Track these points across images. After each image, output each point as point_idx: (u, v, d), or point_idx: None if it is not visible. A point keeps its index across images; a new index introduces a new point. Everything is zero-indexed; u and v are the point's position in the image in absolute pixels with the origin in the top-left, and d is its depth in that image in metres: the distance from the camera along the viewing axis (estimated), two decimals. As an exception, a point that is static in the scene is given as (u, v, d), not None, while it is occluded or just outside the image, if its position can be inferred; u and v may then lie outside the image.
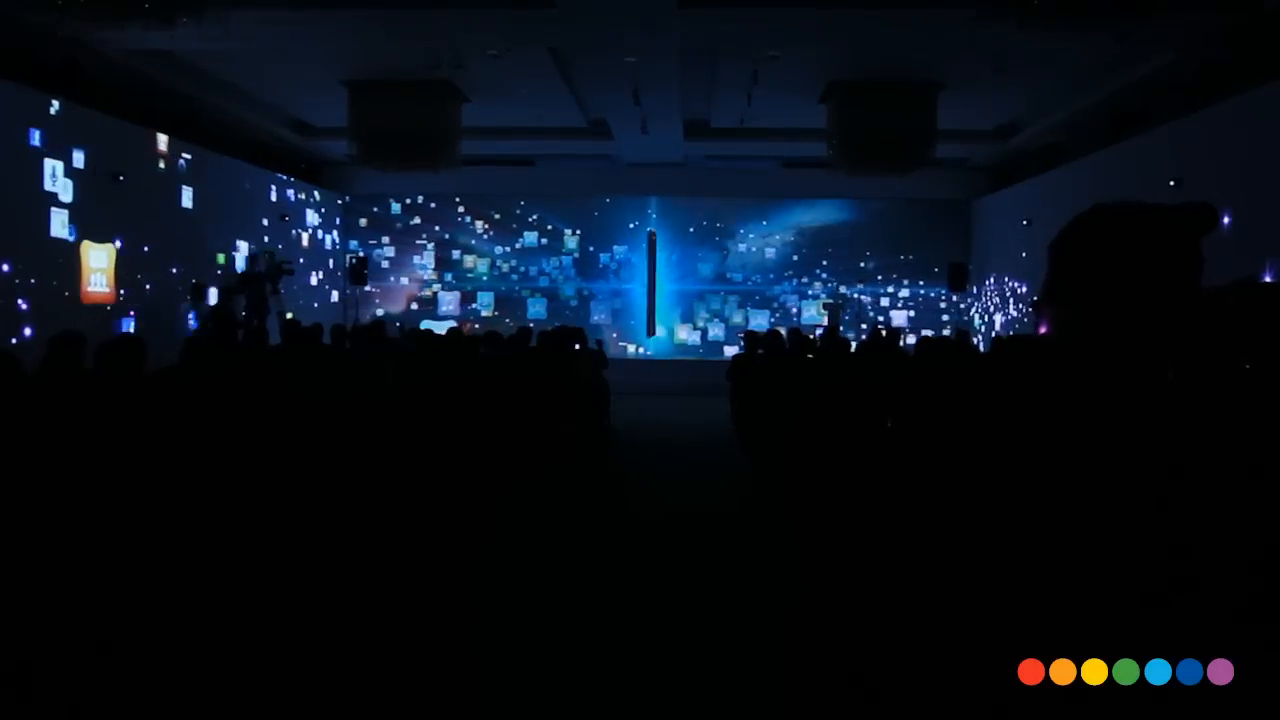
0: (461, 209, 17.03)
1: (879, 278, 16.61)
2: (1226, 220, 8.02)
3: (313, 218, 15.37)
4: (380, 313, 16.26)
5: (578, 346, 9.42)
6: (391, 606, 3.86)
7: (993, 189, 15.52)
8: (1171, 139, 9.54)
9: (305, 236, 14.77)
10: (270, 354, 6.67)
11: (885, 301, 16.66)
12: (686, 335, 17.22)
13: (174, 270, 11.18)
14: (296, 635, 3.19)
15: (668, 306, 17.07)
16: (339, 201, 16.54)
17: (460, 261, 17.31)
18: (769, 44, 9.51)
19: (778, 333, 9.86)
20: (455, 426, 5.04)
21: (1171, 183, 9.05)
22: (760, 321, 16.29)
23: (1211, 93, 9.03)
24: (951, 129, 12.03)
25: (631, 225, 17.07)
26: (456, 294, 17.33)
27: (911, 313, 16.53)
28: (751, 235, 16.83)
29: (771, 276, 16.83)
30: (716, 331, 17.08)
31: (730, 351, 15.29)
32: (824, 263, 16.68)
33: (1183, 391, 1.10)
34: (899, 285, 16.59)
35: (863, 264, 16.60)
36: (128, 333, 8.62)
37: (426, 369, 5.76)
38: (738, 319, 16.72)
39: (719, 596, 4.83)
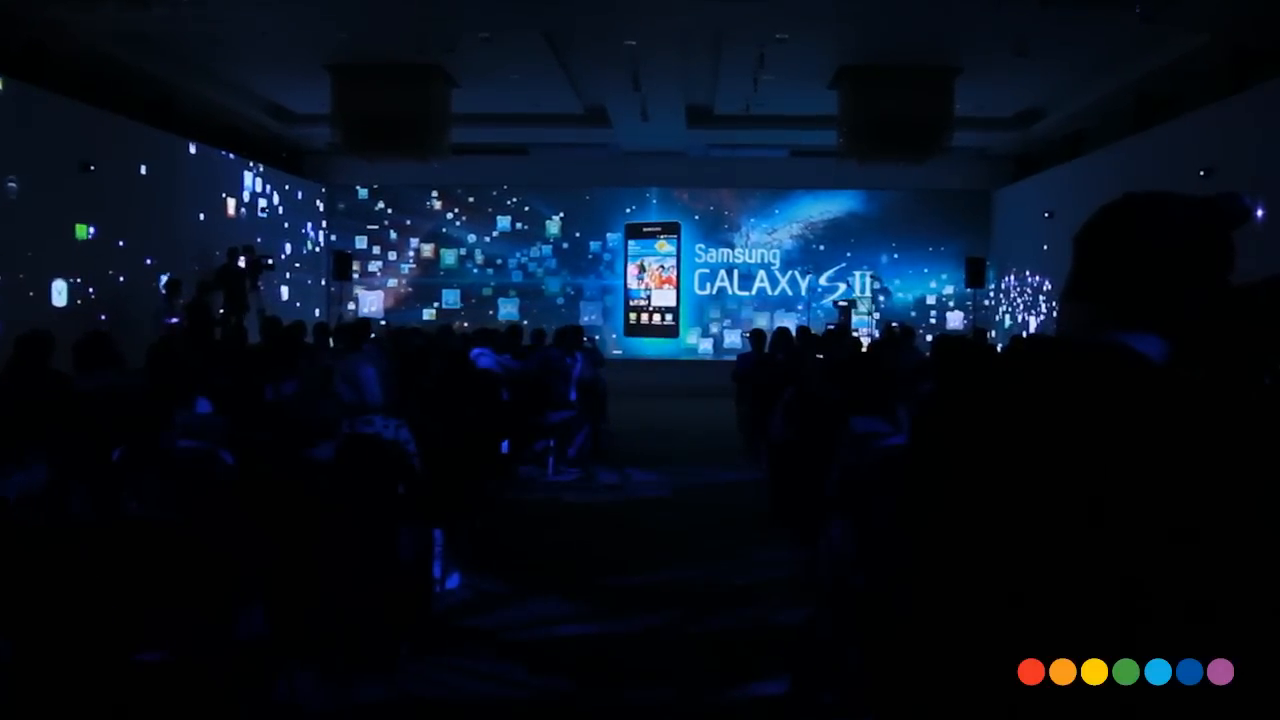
0: (435, 194, 16.41)
1: (924, 270, 16.30)
2: (1259, 213, 8.02)
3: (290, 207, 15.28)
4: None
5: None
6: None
7: (1013, 179, 15.52)
8: (1202, 127, 9.54)
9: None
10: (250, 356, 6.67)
11: (932, 301, 16.34)
12: (696, 341, 16.55)
13: (148, 261, 11.16)
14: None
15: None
16: (321, 191, 16.43)
17: (419, 250, 16.42)
18: (776, 26, 9.51)
19: (785, 330, 9.87)
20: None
21: (1201, 173, 9.05)
22: (788, 324, 15.55)
23: (1245, 78, 9.03)
24: (969, 116, 12.03)
25: (629, 209, 16.54)
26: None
27: (961, 314, 15.99)
28: (763, 226, 16.54)
29: (792, 272, 16.36)
30: (733, 339, 16.02)
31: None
32: (848, 254, 16.32)
33: (1211, 394, 1.10)
34: (941, 282, 16.24)
35: (888, 257, 16.29)
36: (98, 331, 8.61)
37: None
38: (761, 322, 15.53)
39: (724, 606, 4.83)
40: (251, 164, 13.77)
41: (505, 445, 6.86)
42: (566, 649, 4.25)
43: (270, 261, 12.97)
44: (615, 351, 15.96)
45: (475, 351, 7.74)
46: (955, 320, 16.11)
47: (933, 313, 16.34)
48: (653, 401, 13.40)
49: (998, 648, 1.09)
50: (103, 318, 10.19)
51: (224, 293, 11.88)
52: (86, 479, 2.99)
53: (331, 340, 8.70)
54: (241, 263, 12.21)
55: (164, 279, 11.14)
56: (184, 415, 3.79)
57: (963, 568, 1.16)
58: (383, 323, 14.42)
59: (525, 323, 13.54)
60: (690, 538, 6.29)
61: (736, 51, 10.44)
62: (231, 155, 13.23)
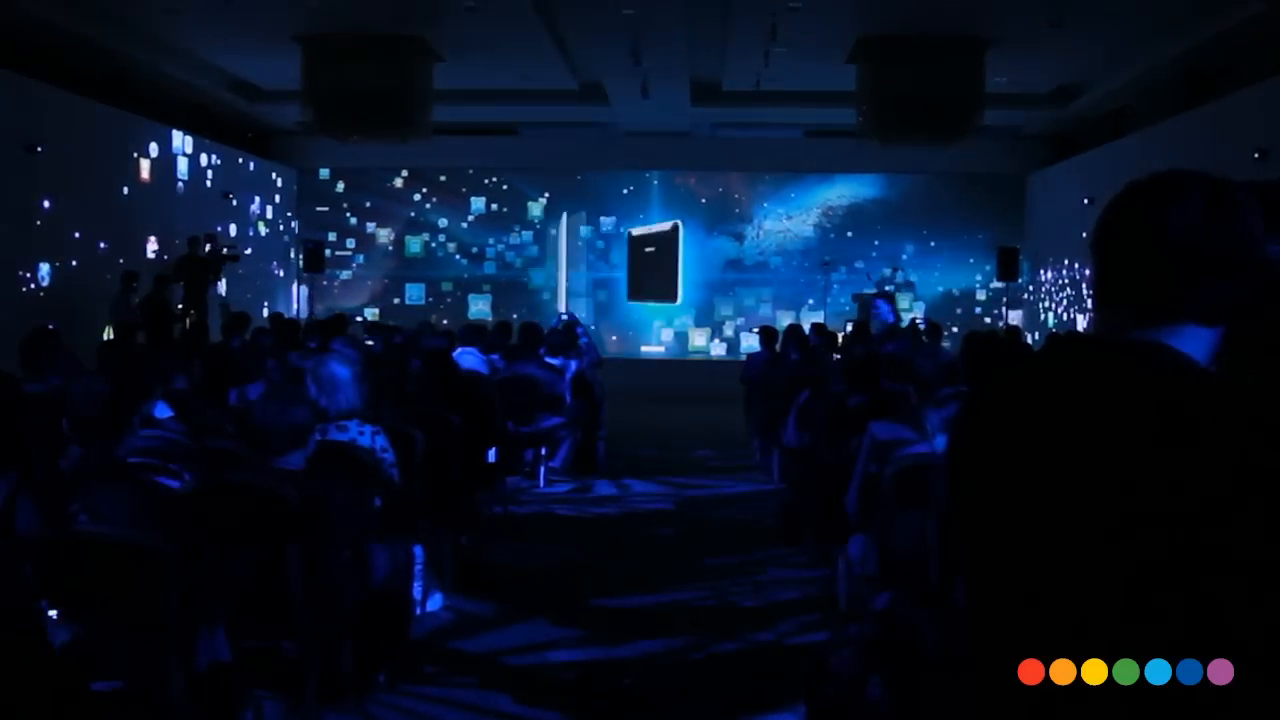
0: (405, 173, 16.17)
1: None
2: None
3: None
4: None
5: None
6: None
7: (1050, 161, 15.54)
8: (1256, 104, 9.55)
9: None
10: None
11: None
12: (703, 341, 16.35)
13: (101, 245, 11.12)
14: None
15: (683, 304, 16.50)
16: (275, 174, 16.25)
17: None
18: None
19: (798, 328, 9.88)
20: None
21: (1255, 155, 9.07)
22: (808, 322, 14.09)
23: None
24: (1001, 92, 12.04)
25: (626, 191, 16.48)
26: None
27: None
28: (776, 213, 16.46)
29: (810, 264, 16.15)
30: (750, 341, 14.88)
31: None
32: (876, 242, 16.22)
33: (1262, 399, 1.11)
34: (987, 274, 15.97)
35: (915, 246, 16.16)
36: (45, 328, 8.61)
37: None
38: (785, 321, 14.64)
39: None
40: (183, 133, 13.35)
41: (492, 453, 6.86)
42: (558, 677, 4.26)
43: (233, 251, 12.94)
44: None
45: (460, 351, 7.75)
46: (1013, 318, 15.77)
47: (978, 309, 16.23)
48: (654, 405, 13.40)
49: (1000, 647, 1.15)
50: (51, 326, 10.09)
51: (183, 286, 11.84)
52: (34, 490, 2.99)
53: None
54: (204, 252, 12.20)
55: (46, 269, 10.59)
56: (141, 421, 3.80)
57: (995, 574, 1.20)
58: (358, 319, 14.42)
59: (515, 317, 13.48)
60: (695, 555, 6.29)
61: (746, 21, 10.44)
62: (172, 128, 12.93)
